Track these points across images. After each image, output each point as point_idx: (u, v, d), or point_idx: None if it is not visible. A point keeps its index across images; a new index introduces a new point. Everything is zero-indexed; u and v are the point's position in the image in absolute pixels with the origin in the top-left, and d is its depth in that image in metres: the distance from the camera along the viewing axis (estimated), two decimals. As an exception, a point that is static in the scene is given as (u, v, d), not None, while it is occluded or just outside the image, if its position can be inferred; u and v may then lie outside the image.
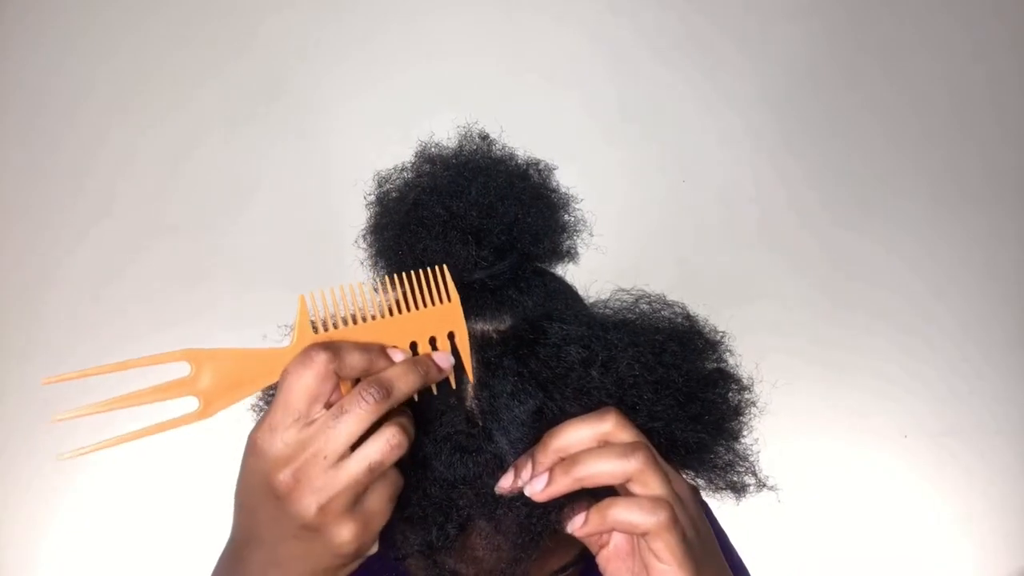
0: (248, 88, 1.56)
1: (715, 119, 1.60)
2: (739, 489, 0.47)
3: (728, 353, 0.47)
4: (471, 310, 0.46)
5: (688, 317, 0.47)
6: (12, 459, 1.47)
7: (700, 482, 0.46)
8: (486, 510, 0.44)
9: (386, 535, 0.43)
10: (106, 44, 1.55)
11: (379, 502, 0.40)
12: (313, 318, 0.42)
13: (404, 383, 0.41)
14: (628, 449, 0.40)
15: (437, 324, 0.44)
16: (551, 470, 0.41)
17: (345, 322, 0.43)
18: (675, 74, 1.60)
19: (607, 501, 0.41)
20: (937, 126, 1.61)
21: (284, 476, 0.38)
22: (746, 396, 0.46)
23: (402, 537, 0.45)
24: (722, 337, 0.47)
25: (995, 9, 1.59)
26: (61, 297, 1.52)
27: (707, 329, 0.47)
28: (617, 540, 0.43)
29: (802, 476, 1.52)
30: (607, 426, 0.41)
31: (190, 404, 0.40)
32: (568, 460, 0.41)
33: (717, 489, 0.47)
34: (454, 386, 0.45)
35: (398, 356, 0.42)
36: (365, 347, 0.41)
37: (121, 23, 1.55)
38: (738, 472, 0.46)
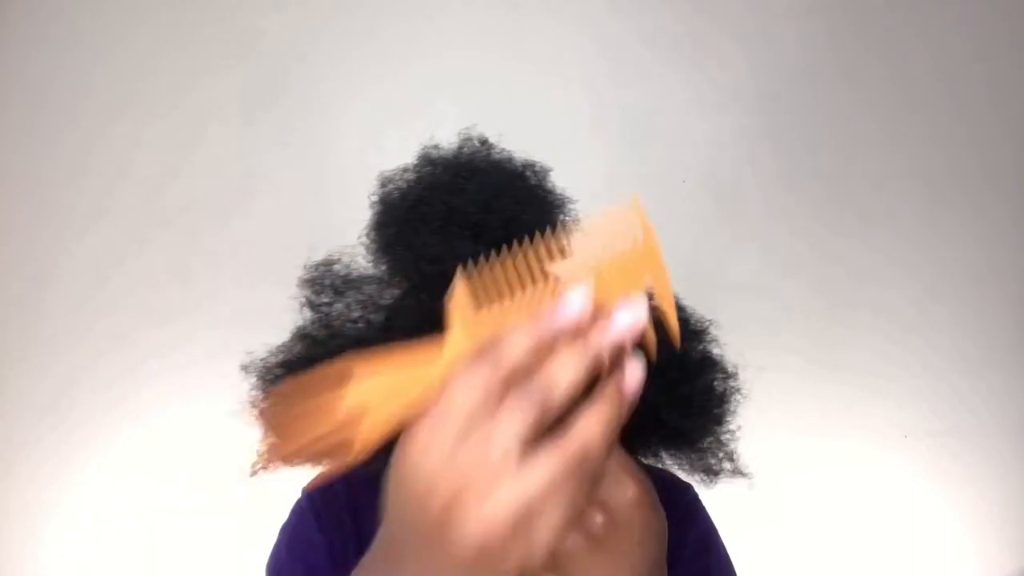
0: (248, 88, 1.56)
1: (715, 119, 1.60)
2: (713, 473, 0.47)
3: (714, 343, 0.47)
4: None
5: (678, 307, 0.47)
6: (12, 458, 1.47)
7: (684, 465, 0.47)
8: None
9: None
10: (106, 44, 1.55)
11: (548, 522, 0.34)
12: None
13: (566, 380, 0.34)
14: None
15: (626, 277, 0.35)
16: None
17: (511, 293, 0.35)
18: (675, 74, 1.60)
19: None
20: (937, 126, 1.61)
21: (443, 493, 0.33)
22: (731, 384, 0.47)
23: None
24: (709, 325, 0.48)
25: (995, 9, 1.59)
26: (61, 296, 1.52)
27: (695, 318, 0.47)
28: None
29: (802, 476, 1.52)
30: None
31: None
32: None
33: (694, 472, 0.47)
34: (653, 357, 0.35)
35: (572, 305, 0.35)
36: (526, 332, 0.34)
37: (121, 23, 1.55)
38: (716, 457, 0.46)
